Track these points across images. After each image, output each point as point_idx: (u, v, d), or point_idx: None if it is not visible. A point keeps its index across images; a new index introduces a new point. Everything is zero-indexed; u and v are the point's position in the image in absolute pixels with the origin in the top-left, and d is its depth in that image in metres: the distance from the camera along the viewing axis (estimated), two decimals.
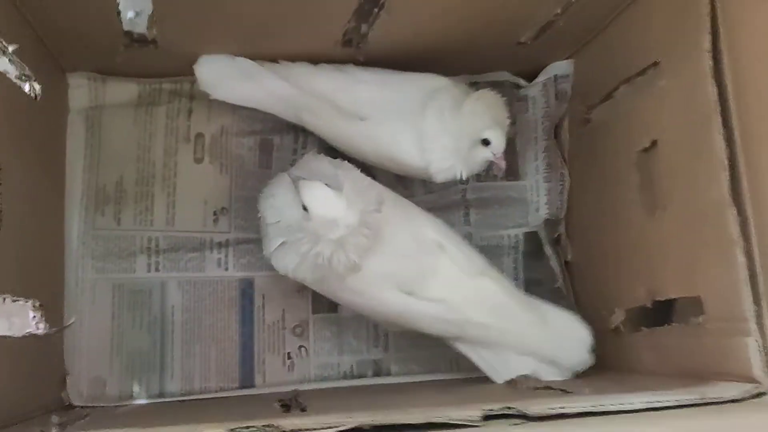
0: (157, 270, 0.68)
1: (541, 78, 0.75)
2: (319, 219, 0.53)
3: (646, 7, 0.58)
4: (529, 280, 0.75)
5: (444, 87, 0.65)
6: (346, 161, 0.60)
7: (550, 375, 0.61)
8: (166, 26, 0.59)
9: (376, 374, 0.71)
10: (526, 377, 0.59)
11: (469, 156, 0.64)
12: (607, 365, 0.63)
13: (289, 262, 0.57)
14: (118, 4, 0.56)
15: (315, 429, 0.37)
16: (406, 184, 0.75)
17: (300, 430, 0.37)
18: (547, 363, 0.61)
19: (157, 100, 0.70)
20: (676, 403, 0.42)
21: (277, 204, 0.57)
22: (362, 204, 0.54)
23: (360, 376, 0.71)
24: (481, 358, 0.63)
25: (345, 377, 0.71)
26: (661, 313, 0.58)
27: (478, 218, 0.75)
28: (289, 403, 0.52)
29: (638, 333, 0.60)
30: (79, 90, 0.68)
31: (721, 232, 0.48)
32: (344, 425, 0.37)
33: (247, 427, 0.37)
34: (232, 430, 0.36)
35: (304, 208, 0.53)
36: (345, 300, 0.62)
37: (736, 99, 0.48)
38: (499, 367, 0.62)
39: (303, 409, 0.48)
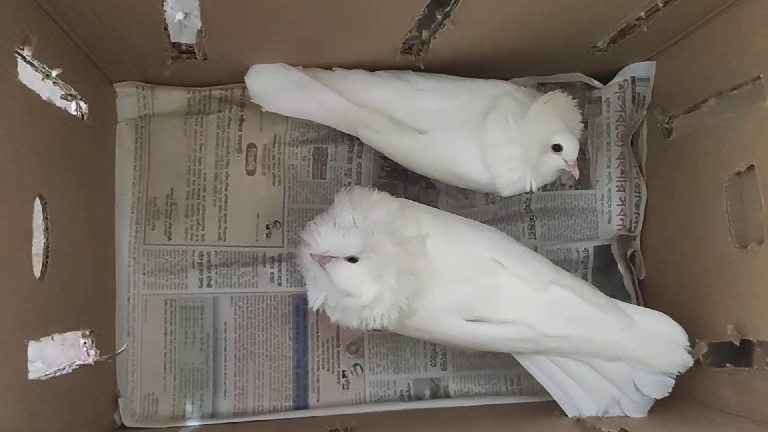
0: (209, 285, 0.66)
1: (617, 79, 0.69)
2: (344, 292, 0.52)
3: (750, 11, 0.52)
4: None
5: (507, 92, 0.60)
6: (382, 196, 0.55)
7: (645, 383, 0.56)
8: (216, 38, 0.56)
9: (434, 394, 0.68)
10: (596, 419, 0.55)
11: (538, 165, 0.59)
12: (682, 397, 0.58)
13: (332, 315, 0.54)
14: (165, 19, 0.53)
15: None
16: (467, 193, 0.71)
17: None
18: (642, 367, 0.56)
19: (208, 109, 0.67)
20: None
21: (305, 264, 0.54)
22: (396, 253, 0.51)
23: (417, 396, 0.68)
24: (554, 382, 0.59)
25: (401, 397, 0.68)
26: (748, 351, 0.53)
27: (543, 230, 0.71)
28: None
29: (721, 369, 0.55)
30: (127, 99, 0.66)
31: None
32: None
33: None
34: None
35: None
36: (409, 334, 0.59)
37: None
38: (576, 395, 0.58)
39: None
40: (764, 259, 0.49)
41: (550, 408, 0.60)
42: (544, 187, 0.70)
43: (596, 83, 0.70)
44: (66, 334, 0.51)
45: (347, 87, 0.62)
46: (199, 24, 0.54)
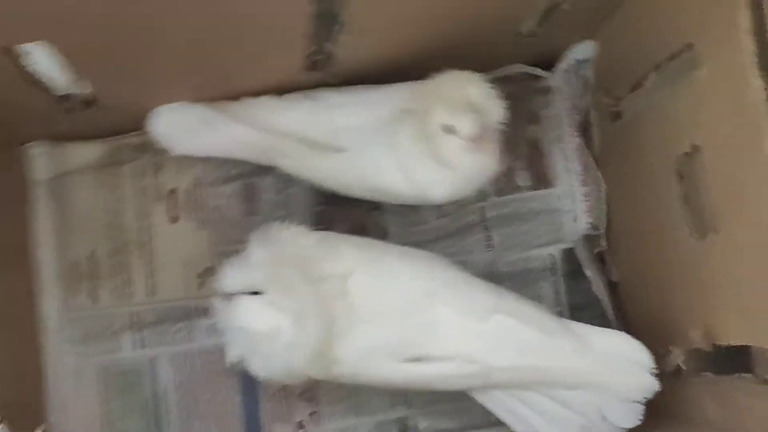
0: (143, 347, 0.61)
1: (561, 64, 0.63)
2: (255, 338, 0.47)
3: None
4: (574, 306, 0.63)
5: (405, 97, 0.54)
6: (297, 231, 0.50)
7: (612, 412, 0.50)
8: (103, 83, 0.52)
9: None
10: None
11: (446, 157, 0.52)
12: (667, 413, 0.52)
13: (256, 369, 0.48)
14: (36, 77, 0.49)
15: None
16: (417, 209, 0.65)
17: None
18: (606, 394, 0.49)
19: (123, 159, 0.63)
20: None
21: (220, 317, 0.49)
22: (307, 294, 0.46)
23: None
24: (517, 416, 0.52)
25: None
26: (725, 357, 0.45)
27: (500, 239, 0.64)
28: None
29: (701, 378, 0.48)
30: (39, 159, 0.62)
31: None
32: None
33: None
34: None
35: None
36: (346, 383, 0.53)
37: None
38: (542, 426, 0.52)
39: None
40: (723, 251, 0.43)
41: None
42: (498, 192, 0.65)
43: (540, 72, 0.64)
44: None
45: (256, 116, 0.57)
46: (72, 74, 0.50)
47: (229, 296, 0.47)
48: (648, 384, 0.49)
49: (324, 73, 0.56)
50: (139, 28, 0.45)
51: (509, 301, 0.51)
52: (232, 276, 0.48)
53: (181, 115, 0.58)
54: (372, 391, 0.62)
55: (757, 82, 0.36)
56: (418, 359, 0.49)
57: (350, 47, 0.52)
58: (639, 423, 0.49)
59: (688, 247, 0.47)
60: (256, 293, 0.47)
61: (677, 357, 0.50)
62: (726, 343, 0.44)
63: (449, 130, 0.51)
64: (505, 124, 0.52)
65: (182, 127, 0.58)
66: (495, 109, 0.52)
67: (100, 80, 0.52)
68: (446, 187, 0.53)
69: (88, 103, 0.55)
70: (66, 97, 0.54)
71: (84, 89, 0.53)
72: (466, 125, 0.50)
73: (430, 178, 0.53)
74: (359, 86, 0.57)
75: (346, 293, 0.48)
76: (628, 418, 0.49)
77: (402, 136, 0.53)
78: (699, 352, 0.48)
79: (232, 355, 0.49)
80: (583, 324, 0.52)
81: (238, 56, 0.52)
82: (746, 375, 0.43)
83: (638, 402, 0.49)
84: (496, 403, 0.53)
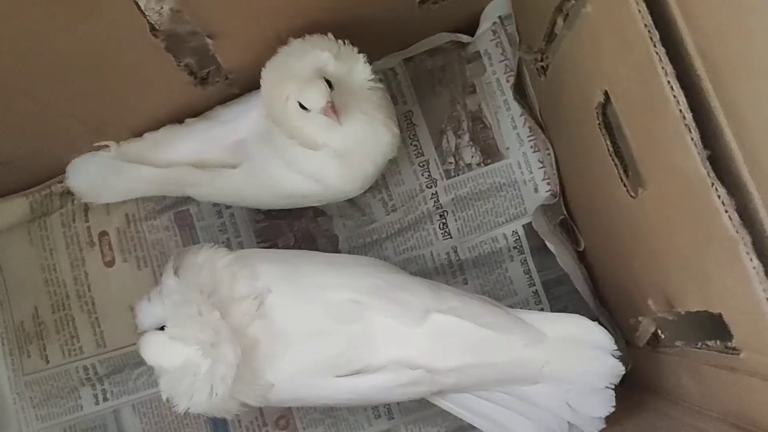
0: (105, 399, 0.59)
1: (485, 26, 0.57)
2: (171, 376, 0.44)
3: None
4: (548, 283, 0.58)
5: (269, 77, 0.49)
6: (209, 251, 0.47)
7: (580, 404, 0.45)
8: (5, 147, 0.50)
9: None
10: None
11: (318, 137, 0.48)
12: (647, 386, 0.46)
13: (185, 408, 0.45)
14: None
15: None
16: (363, 209, 0.61)
17: None
18: (569, 386, 0.45)
19: (50, 208, 0.60)
20: None
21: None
22: (218, 319, 0.43)
23: None
24: (480, 415, 0.48)
25: None
26: (695, 324, 0.40)
27: (459, 224, 0.59)
28: None
29: (674, 349, 0.43)
30: None
31: (714, 224, 0.30)
32: None
33: None
34: None
35: None
36: (292, 406, 0.50)
37: (685, 18, 0.30)
38: (509, 419, 0.47)
39: None
40: (653, 207, 0.37)
41: None
42: (447, 174, 0.60)
43: (465, 37, 0.59)
44: None
45: (158, 150, 0.55)
46: None
47: (141, 334, 0.45)
48: (612, 368, 0.44)
49: (219, 86, 0.52)
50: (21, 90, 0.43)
51: (448, 298, 0.47)
52: (142, 312, 0.46)
53: (92, 166, 0.56)
54: (348, 409, 0.58)
55: (635, 9, 0.30)
56: (356, 372, 0.46)
57: (229, 53, 0.48)
58: (613, 410, 0.44)
59: (628, 206, 0.41)
60: (161, 328, 0.44)
61: (647, 328, 0.45)
62: (685, 311, 0.38)
63: (304, 107, 0.46)
64: (371, 80, 0.47)
65: (95, 179, 0.57)
66: (360, 70, 0.47)
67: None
68: (335, 167, 0.49)
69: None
70: None
71: None
72: (311, 96, 0.45)
73: (314, 163, 0.49)
74: (252, 93, 0.53)
75: (265, 313, 0.45)
76: (598, 406, 0.44)
77: (276, 133, 0.49)
78: (667, 321, 0.42)
79: (164, 395, 0.46)
80: (535, 312, 0.49)
81: (126, 97, 0.49)
82: (710, 343, 0.37)
83: (607, 388, 0.44)
84: (459, 405, 0.48)
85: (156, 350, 0.44)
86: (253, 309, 0.44)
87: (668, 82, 0.30)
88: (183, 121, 0.55)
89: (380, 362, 0.45)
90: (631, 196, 0.40)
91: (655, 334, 0.45)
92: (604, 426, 0.45)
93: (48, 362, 0.59)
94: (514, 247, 0.59)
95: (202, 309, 0.43)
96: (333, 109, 0.44)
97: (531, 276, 0.59)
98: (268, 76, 0.47)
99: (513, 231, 0.58)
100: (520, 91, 0.57)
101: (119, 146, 0.55)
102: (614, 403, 0.44)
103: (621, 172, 0.40)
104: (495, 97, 0.59)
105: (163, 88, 0.51)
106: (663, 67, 0.30)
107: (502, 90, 0.59)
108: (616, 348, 0.43)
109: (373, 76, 0.48)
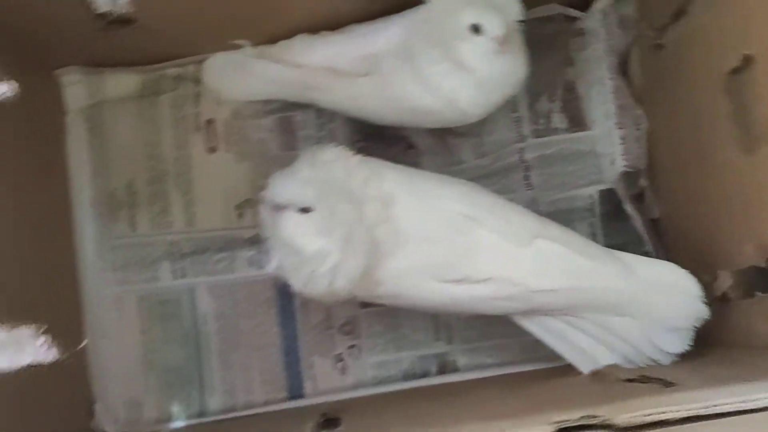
0: (183, 276, 0.61)
1: (598, 4, 0.63)
2: (300, 254, 0.46)
3: None
4: (610, 247, 0.63)
5: (421, 12, 0.54)
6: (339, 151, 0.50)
7: (661, 339, 0.50)
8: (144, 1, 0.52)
9: (441, 370, 0.62)
10: (615, 366, 0.48)
11: (474, 61, 0.52)
12: (715, 341, 0.52)
13: (296, 283, 0.48)
14: None
15: None
16: (452, 150, 0.65)
17: None
18: (653, 322, 0.50)
19: (161, 89, 0.63)
20: None
21: (265, 224, 0.50)
22: (351, 217, 0.46)
23: (423, 374, 0.62)
24: (561, 338, 0.52)
25: (406, 377, 0.62)
26: None
27: (541, 179, 0.64)
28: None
29: (751, 300, 0.49)
30: (75, 87, 0.62)
31: None
32: None
33: None
34: None
35: None
36: (387, 303, 0.53)
37: None
38: (588, 345, 0.52)
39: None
40: None
41: (568, 371, 0.54)
42: (536, 134, 0.65)
43: (575, 12, 0.64)
44: (18, 331, 0.46)
45: (291, 54, 0.59)
46: None
47: (278, 207, 0.47)
48: (698, 311, 0.49)
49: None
50: None
51: (553, 228, 0.51)
52: (284, 188, 0.48)
53: (225, 64, 0.61)
54: (413, 326, 0.62)
55: None
56: (458, 281, 0.49)
57: None
58: (688, 348, 0.49)
59: (737, 165, 0.47)
60: (304, 210, 0.47)
61: (725, 281, 0.50)
62: None
63: (476, 29, 0.50)
64: (521, 23, 0.52)
65: (227, 75, 0.61)
66: (514, 8, 0.52)
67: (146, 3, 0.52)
68: (472, 92, 0.53)
69: (126, 21, 0.54)
70: (104, 15, 0.53)
71: (123, 8, 0.53)
72: (494, 24, 0.50)
73: (452, 83, 0.53)
74: (385, 17, 0.57)
75: (389, 216, 0.48)
76: (676, 344, 0.50)
77: (418, 48, 0.53)
78: (749, 271, 0.48)
79: (272, 266, 0.49)
80: (630, 254, 0.52)
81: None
82: None
83: (687, 329, 0.49)
84: (543, 327, 0.53)
85: (296, 231, 0.46)
86: (382, 211, 0.48)
87: None
88: (317, 33, 0.59)
89: (483, 275, 0.49)
90: (743, 154, 0.46)
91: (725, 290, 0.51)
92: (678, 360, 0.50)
93: (135, 230, 0.61)
94: (587, 209, 0.64)
95: (343, 205, 0.46)
96: (507, 40, 0.49)
97: (596, 238, 0.64)
98: None
99: (590, 194, 0.64)
100: (622, 68, 0.63)
101: (254, 48, 0.59)
102: (690, 342, 0.49)
103: (736, 132, 0.46)
104: (591, 72, 0.65)
105: None
106: None
107: (599, 67, 0.64)
108: (702, 294, 0.49)
109: (522, 17, 0.53)
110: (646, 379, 0.43)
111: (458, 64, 0.52)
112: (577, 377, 0.51)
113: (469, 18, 0.50)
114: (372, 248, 0.47)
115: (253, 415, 0.59)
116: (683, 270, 0.50)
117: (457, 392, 0.55)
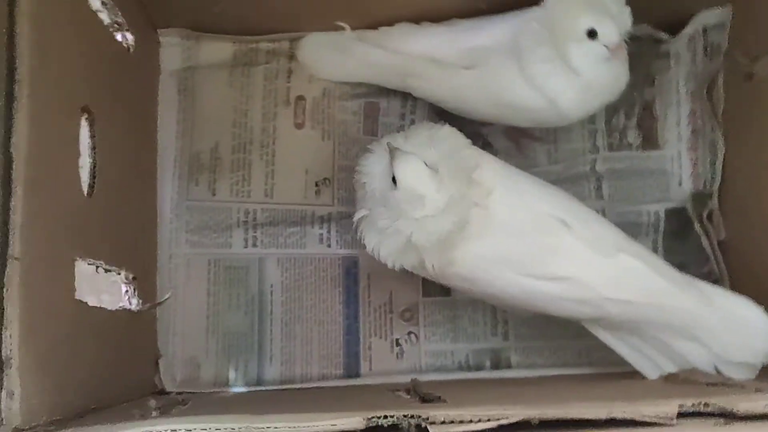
0: (254, 245, 0.62)
1: (688, 30, 0.65)
2: (405, 193, 0.47)
3: None
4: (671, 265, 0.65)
5: (533, 11, 0.55)
6: (455, 130, 0.51)
7: (726, 369, 0.51)
8: None
9: (495, 365, 0.63)
10: (693, 371, 0.49)
11: (578, 61, 0.53)
12: None
13: (371, 238, 0.50)
14: None
15: (471, 421, 0.29)
16: (527, 153, 0.67)
17: (453, 421, 0.29)
18: (721, 352, 0.51)
19: (254, 61, 0.64)
20: None
21: (368, 170, 0.51)
22: (456, 189, 0.47)
23: (478, 367, 0.63)
24: (628, 345, 0.54)
25: (460, 368, 0.63)
26: None
27: (611, 191, 0.66)
28: (417, 393, 0.45)
29: None
30: (172, 49, 0.63)
31: None
32: (508, 418, 0.29)
33: (385, 417, 0.30)
34: (369, 419, 0.29)
35: (393, 180, 0.48)
36: (454, 285, 0.55)
37: None
38: (655, 355, 0.53)
39: (439, 399, 0.41)
40: None
41: (628, 377, 0.54)
42: (609, 147, 0.67)
43: (664, 36, 0.66)
44: (110, 272, 0.47)
45: (392, 41, 0.60)
46: None
47: (399, 151, 0.48)
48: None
49: None
50: None
51: (636, 246, 0.53)
52: (409, 141, 0.49)
53: (323, 43, 0.63)
54: (472, 319, 0.63)
55: None
56: (537, 276, 0.50)
57: None
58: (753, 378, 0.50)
59: None
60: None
61: None
62: None
63: (592, 34, 0.52)
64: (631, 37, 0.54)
65: (324, 54, 0.63)
66: (626, 19, 0.54)
67: None
68: (575, 94, 0.55)
69: None
70: None
71: None
72: (611, 31, 0.52)
73: (557, 83, 0.54)
74: (490, 15, 0.59)
75: (486, 204, 0.49)
76: (742, 374, 0.51)
77: (528, 46, 0.54)
78: None
79: (358, 215, 0.51)
80: (708, 283, 0.54)
81: None
82: None
83: (755, 364, 0.50)
84: (606, 330, 0.54)
85: (415, 173, 0.47)
86: (483, 196, 0.49)
87: None
88: (419, 23, 0.61)
89: (561, 273, 0.50)
90: None
91: None
92: None
93: (214, 195, 0.62)
94: (652, 225, 0.65)
95: (458, 175, 0.48)
96: (619, 48, 0.51)
97: (657, 254, 0.65)
98: None
99: (656, 211, 0.65)
100: (703, 93, 0.65)
101: (354, 32, 0.61)
102: (756, 374, 0.50)
103: None
104: (670, 94, 0.66)
105: None
106: None
107: (678, 90, 0.66)
108: None
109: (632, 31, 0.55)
110: (728, 385, 0.44)
111: (567, 64, 0.54)
112: (647, 381, 0.52)
113: (589, 22, 0.52)
114: (461, 225, 0.48)
115: (313, 388, 0.60)
116: (759, 307, 0.51)
117: (522, 383, 0.56)
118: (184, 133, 0.63)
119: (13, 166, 0.34)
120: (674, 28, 0.66)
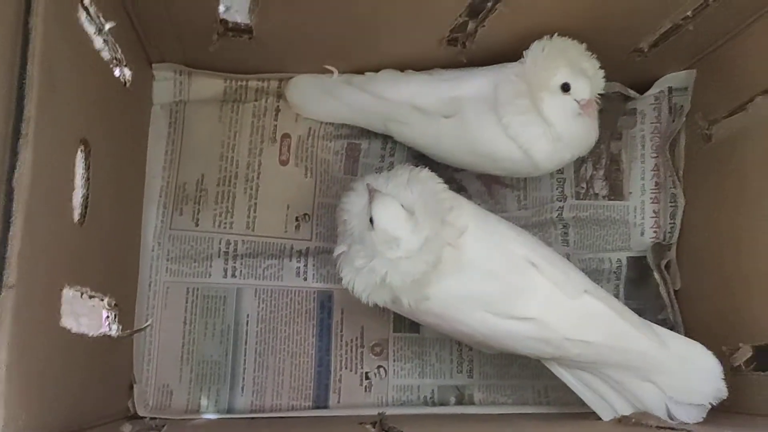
0: (233, 276, 0.64)
1: (653, 90, 0.69)
2: (381, 234, 0.50)
3: None
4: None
5: (513, 72, 0.59)
6: (433, 174, 0.55)
7: (678, 410, 0.54)
8: (266, 16, 0.56)
9: (459, 401, 0.65)
10: (645, 414, 0.52)
11: (552, 113, 0.57)
12: (729, 407, 0.56)
13: (347, 274, 0.53)
14: None
15: None
16: (498, 198, 0.70)
17: None
18: (673, 393, 0.54)
19: (244, 98, 0.67)
20: None
21: (348, 208, 0.54)
22: (431, 230, 0.50)
23: (442, 403, 0.65)
24: (585, 384, 0.56)
25: (425, 402, 0.65)
26: None
27: (576, 238, 0.69)
28: (382, 427, 0.47)
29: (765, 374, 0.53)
30: (164, 83, 0.65)
31: None
32: None
33: None
34: None
35: (371, 220, 0.51)
36: (426, 321, 0.57)
37: None
38: (611, 395, 0.56)
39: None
40: None
41: (582, 417, 0.57)
42: (577, 195, 0.70)
43: (633, 93, 0.70)
44: (93, 299, 0.48)
45: (376, 86, 0.64)
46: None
47: (378, 193, 0.51)
48: (717, 390, 0.53)
49: (459, 51, 0.61)
50: None
51: (599, 289, 0.56)
52: (389, 183, 0.52)
53: (311, 84, 0.66)
54: (439, 356, 0.66)
55: None
56: (505, 316, 0.53)
57: (495, 25, 0.57)
58: (702, 420, 0.53)
59: None
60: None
61: (745, 353, 0.55)
62: None
63: (565, 88, 0.56)
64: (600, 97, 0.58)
65: (311, 96, 0.66)
66: (599, 80, 0.58)
67: (266, 11, 0.55)
68: (547, 145, 0.58)
69: (244, 31, 0.58)
70: (225, 21, 0.57)
71: (249, 19, 0.57)
72: (584, 88, 0.56)
73: (531, 133, 0.58)
74: (470, 67, 0.62)
75: (458, 243, 0.52)
76: (692, 415, 0.54)
77: (505, 97, 0.58)
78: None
79: (338, 251, 0.54)
80: (663, 328, 0.57)
81: (392, 15, 0.56)
82: None
83: (704, 405, 0.54)
84: (565, 369, 0.56)
85: (392, 215, 0.50)
86: (455, 236, 0.52)
87: None
88: (403, 71, 0.64)
89: (527, 313, 0.53)
90: None
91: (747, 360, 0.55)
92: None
93: (197, 225, 0.64)
94: (614, 272, 0.69)
95: (430, 218, 0.51)
96: (590, 105, 0.55)
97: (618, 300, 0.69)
98: (550, 45, 0.57)
99: (618, 259, 0.69)
100: (663, 151, 0.69)
101: (341, 76, 0.65)
102: (705, 415, 0.53)
103: None
104: (635, 149, 0.70)
105: (410, 38, 0.60)
106: None
107: (643, 145, 0.70)
108: (723, 376, 0.53)
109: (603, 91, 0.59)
110: (679, 427, 0.47)
111: (540, 115, 0.57)
112: (600, 422, 0.55)
113: (564, 76, 0.56)
114: (435, 264, 0.50)
115: (282, 418, 0.61)
116: (709, 352, 0.54)
117: (483, 421, 0.58)
118: (172, 164, 0.65)
119: (15, 197, 0.36)
120: (643, 87, 0.70)
